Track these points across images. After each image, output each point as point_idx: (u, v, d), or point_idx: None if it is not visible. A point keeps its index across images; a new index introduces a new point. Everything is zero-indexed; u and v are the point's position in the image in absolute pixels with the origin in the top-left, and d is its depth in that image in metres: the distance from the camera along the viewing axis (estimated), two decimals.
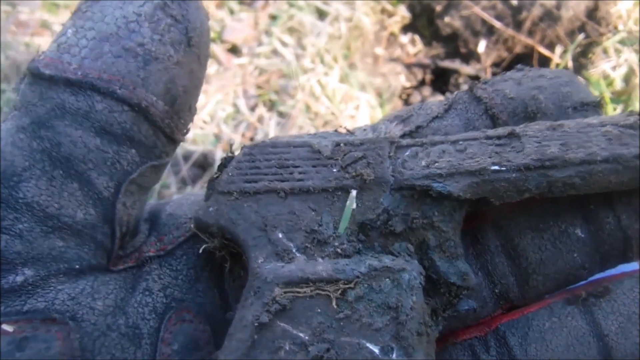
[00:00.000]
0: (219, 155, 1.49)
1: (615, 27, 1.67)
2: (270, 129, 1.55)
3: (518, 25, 1.66)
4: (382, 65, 1.69)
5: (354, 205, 0.38)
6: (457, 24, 1.67)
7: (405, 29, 1.75)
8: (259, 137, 1.54)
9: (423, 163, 0.38)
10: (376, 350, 0.35)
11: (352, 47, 1.68)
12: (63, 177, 0.36)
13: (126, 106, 0.37)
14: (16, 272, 0.35)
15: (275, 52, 1.67)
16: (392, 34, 1.74)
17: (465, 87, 1.56)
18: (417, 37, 1.72)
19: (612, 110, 1.57)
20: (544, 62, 1.65)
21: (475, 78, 1.64)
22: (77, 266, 0.37)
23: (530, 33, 1.66)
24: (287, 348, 0.34)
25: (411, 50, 1.72)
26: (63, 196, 0.36)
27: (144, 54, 0.37)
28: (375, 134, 0.42)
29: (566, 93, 0.41)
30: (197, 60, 0.40)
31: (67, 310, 0.36)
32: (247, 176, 0.39)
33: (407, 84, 1.67)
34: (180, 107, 0.40)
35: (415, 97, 1.64)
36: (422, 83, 1.69)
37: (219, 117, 1.57)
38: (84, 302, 0.37)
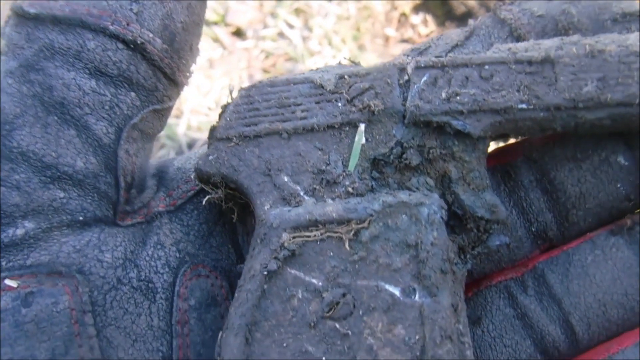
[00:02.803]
0: None
1: None
2: None
3: None
4: (393, 47, 1.65)
5: (363, 140, 0.35)
6: (472, 2, 1.62)
7: (417, 8, 1.70)
8: None
9: (443, 95, 0.35)
10: (397, 292, 0.32)
11: (361, 28, 1.65)
12: (58, 124, 0.34)
13: (120, 44, 0.35)
14: (16, 225, 0.34)
15: (281, 35, 1.64)
16: (403, 14, 1.68)
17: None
18: (429, 17, 1.68)
19: None
20: None
21: None
22: (81, 217, 0.35)
23: None
24: (300, 296, 0.32)
25: (423, 31, 1.67)
26: (60, 144, 0.34)
27: None
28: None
29: (603, 4, 0.37)
30: None
31: (73, 263, 0.34)
32: (246, 119, 0.36)
33: None
34: (180, 46, 0.37)
35: None
36: None
37: (224, 104, 1.54)
38: (91, 254, 0.35)
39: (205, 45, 1.58)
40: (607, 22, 0.37)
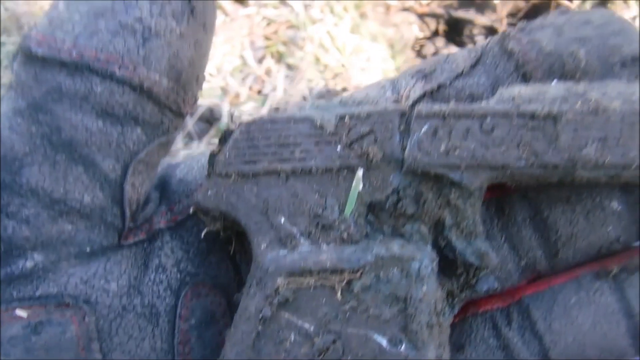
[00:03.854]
0: (225, 109, 1.45)
1: None
2: (278, 82, 1.51)
3: None
4: (395, 15, 1.64)
5: (361, 186, 0.35)
6: None
7: None
8: (267, 90, 1.51)
9: (442, 148, 0.35)
10: (384, 342, 0.34)
11: None
12: (66, 162, 0.35)
13: (127, 87, 0.35)
14: (26, 257, 0.35)
15: (283, 2, 1.62)
16: None
17: (480, 38, 1.48)
18: None
19: None
20: None
21: (490, 29, 1.59)
22: (88, 249, 0.36)
23: None
24: (292, 339, 0.34)
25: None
26: (68, 180, 0.35)
27: (142, 30, 0.35)
28: (396, 95, 0.39)
29: (614, 46, 0.36)
30: (202, 28, 0.37)
31: (80, 294, 0.36)
32: (246, 157, 0.36)
33: (420, 35, 1.62)
34: (186, 81, 0.37)
35: (429, 48, 1.59)
36: (435, 34, 1.64)
37: (225, 70, 1.53)
38: (97, 284, 0.36)
39: None
40: (616, 65, 0.36)
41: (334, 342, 0.34)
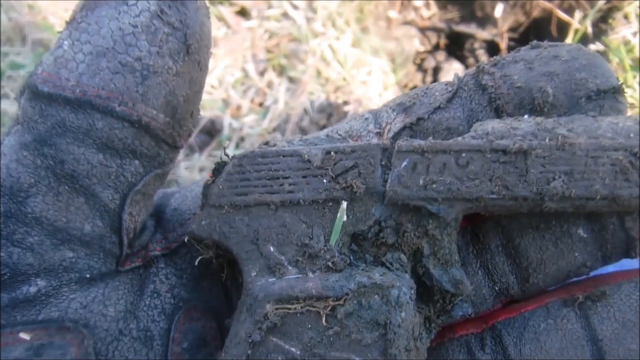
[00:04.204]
0: (226, 121, 1.46)
1: None
2: (280, 95, 1.51)
3: None
4: (396, 29, 1.65)
5: (345, 218, 0.38)
6: None
7: None
8: (268, 102, 1.51)
9: (421, 182, 0.37)
10: None
11: (365, 10, 1.64)
12: (69, 192, 0.37)
13: (126, 123, 0.37)
14: (29, 283, 0.36)
15: (285, 15, 1.63)
16: None
17: (481, 52, 1.48)
18: (431, 0, 1.67)
19: (632, 78, 1.52)
20: (563, 27, 1.60)
21: (491, 43, 1.60)
22: (88, 275, 0.38)
23: None
24: None
25: (425, 13, 1.67)
26: (70, 210, 0.37)
27: (142, 69, 0.37)
28: (378, 129, 0.42)
29: (580, 80, 0.39)
30: (197, 66, 0.39)
31: (79, 318, 0.37)
32: (238, 189, 0.39)
33: (421, 49, 1.62)
34: (181, 116, 0.39)
35: (430, 62, 1.60)
36: (436, 47, 1.64)
37: (227, 82, 1.53)
38: (96, 309, 0.38)
39: None
40: (581, 99, 0.38)
41: None
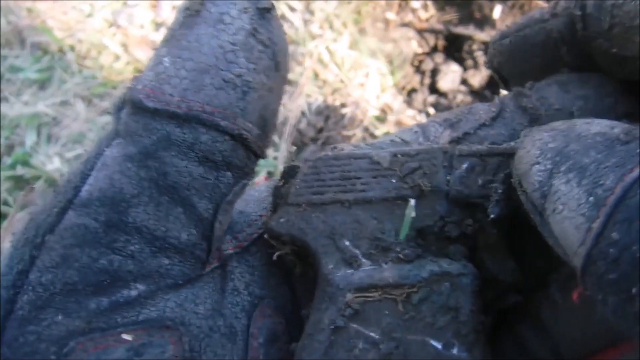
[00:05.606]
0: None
1: None
2: None
3: None
4: (393, 31, 1.64)
5: (413, 214, 0.40)
6: None
7: None
8: None
9: (480, 182, 0.41)
10: (439, 346, 0.38)
11: (362, 12, 1.64)
12: (168, 203, 0.38)
13: (227, 136, 0.39)
14: (129, 287, 0.38)
15: (282, 17, 1.63)
16: None
17: (479, 54, 1.48)
18: (429, 2, 1.67)
19: None
20: None
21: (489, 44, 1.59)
22: (181, 282, 0.40)
23: None
24: (361, 346, 0.39)
25: (423, 15, 1.66)
26: (169, 220, 0.39)
27: (242, 85, 0.39)
28: (427, 141, 0.46)
29: (610, 104, 0.43)
30: (283, 81, 0.43)
31: (176, 316, 0.39)
32: (314, 188, 0.42)
33: (419, 51, 1.62)
34: (269, 128, 0.42)
35: (428, 64, 1.59)
36: (434, 49, 1.64)
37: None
38: (189, 308, 0.40)
39: None
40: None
41: (396, 347, 0.38)
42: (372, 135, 1.47)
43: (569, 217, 0.32)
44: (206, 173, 0.39)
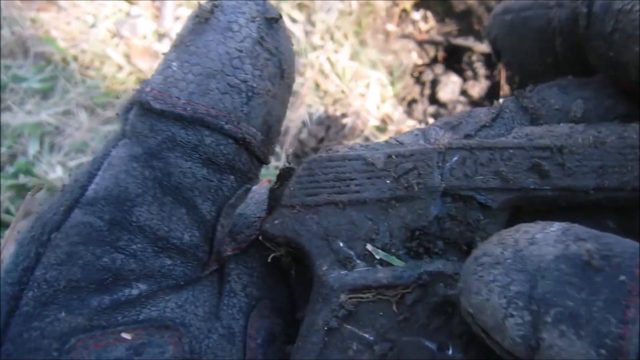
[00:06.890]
0: None
1: None
2: None
3: None
4: (394, 42, 1.66)
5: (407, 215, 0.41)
6: (471, 1, 1.63)
7: (418, 5, 1.71)
8: None
9: (469, 174, 0.41)
10: (433, 347, 0.38)
11: (363, 24, 1.65)
12: (172, 203, 0.39)
13: (231, 140, 0.39)
14: (131, 286, 0.38)
15: None
16: (404, 10, 1.70)
17: (479, 65, 1.49)
18: (429, 14, 1.69)
19: None
20: None
21: (489, 56, 1.61)
22: (182, 282, 0.40)
23: None
24: (355, 348, 0.38)
25: (423, 27, 1.68)
26: (172, 220, 0.39)
27: (247, 90, 0.39)
28: (426, 141, 0.45)
29: (609, 105, 0.43)
30: (288, 90, 0.43)
31: (176, 317, 0.39)
32: (308, 190, 0.42)
33: (419, 62, 1.63)
34: (273, 135, 0.43)
35: (428, 75, 1.61)
36: (434, 60, 1.65)
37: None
38: (189, 309, 0.40)
39: None
40: (611, 120, 0.43)
41: (391, 349, 0.38)
42: None
43: None
44: (209, 175, 0.39)
